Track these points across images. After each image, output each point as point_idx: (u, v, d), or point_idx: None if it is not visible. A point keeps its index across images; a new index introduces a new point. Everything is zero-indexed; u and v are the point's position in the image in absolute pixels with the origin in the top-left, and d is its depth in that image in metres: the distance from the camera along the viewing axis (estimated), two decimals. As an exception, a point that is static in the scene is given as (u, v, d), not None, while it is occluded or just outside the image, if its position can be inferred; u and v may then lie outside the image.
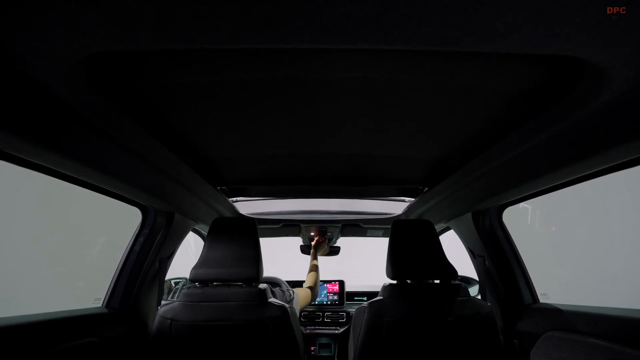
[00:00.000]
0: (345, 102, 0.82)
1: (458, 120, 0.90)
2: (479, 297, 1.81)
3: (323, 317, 2.33)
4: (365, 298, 2.54)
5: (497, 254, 1.47)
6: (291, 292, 1.57)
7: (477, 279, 2.22)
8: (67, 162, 0.80)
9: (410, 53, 0.60)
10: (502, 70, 0.66)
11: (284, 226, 2.14)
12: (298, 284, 2.44)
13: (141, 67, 0.65)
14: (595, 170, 0.89)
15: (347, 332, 2.24)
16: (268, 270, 2.32)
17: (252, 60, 0.63)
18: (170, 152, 1.03)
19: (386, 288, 1.25)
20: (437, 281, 1.32)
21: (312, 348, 2.26)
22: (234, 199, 2.04)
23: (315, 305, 2.41)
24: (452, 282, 1.28)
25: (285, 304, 1.20)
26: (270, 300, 1.20)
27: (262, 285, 1.23)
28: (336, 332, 2.27)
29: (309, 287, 1.81)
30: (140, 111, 0.82)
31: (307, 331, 2.28)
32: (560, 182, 1.04)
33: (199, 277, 1.23)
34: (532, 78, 0.68)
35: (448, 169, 1.26)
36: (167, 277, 2.14)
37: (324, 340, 2.28)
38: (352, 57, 0.62)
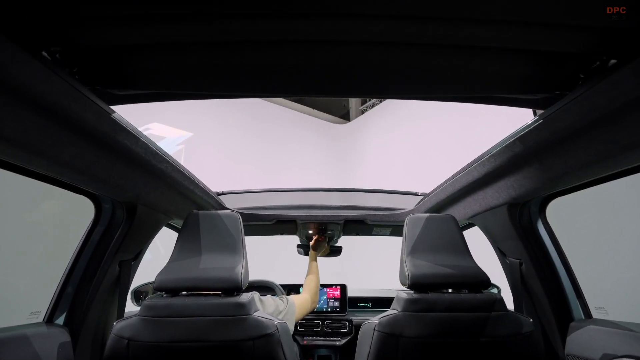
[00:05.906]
0: None
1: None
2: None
3: (322, 326, 2.10)
4: (370, 304, 2.32)
5: (539, 256, 1.21)
6: (286, 300, 1.34)
7: (497, 285, 1.97)
8: None
9: None
10: None
11: (277, 223, 1.89)
12: (295, 287, 2.24)
13: None
14: None
15: (349, 343, 2.02)
16: (262, 273, 2.10)
17: None
18: (103, 105, 0.73)
19: (401, 300, 1.01)
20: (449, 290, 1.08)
21: None
22: (220, 191, 1.77)
23: (313, 312, 2.17)
24: (484, 291, 1.05)
25: (274, 319, 0.98)
26: (255, 314, 0.97)
27: (246, 296, 1.00)
28: (337, 343, 2.04)
29: (308, 293, 1.57)
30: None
31: (305, 342, 2.06)
32: None
33: (165, 286, 1.00)
34: None
35: None
36: (151, 279, 1.89)
37: (323, 353, 2.06)
38: None
